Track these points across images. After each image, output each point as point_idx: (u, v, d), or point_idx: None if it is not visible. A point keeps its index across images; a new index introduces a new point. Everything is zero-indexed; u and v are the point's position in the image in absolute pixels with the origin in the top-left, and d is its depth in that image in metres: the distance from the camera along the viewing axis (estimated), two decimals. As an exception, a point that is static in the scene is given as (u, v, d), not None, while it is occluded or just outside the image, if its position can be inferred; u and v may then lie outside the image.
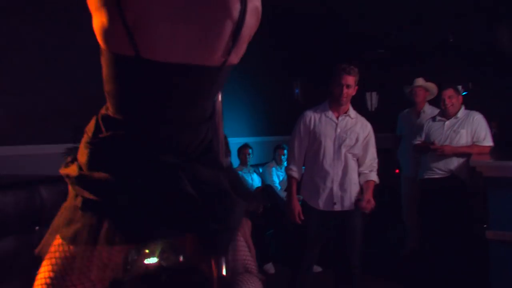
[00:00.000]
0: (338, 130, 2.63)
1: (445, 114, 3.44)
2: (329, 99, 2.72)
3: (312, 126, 2.66)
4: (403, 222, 4.29)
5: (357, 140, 2.64)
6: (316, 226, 2.64)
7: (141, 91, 0.88)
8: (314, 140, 2.65)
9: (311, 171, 2.67)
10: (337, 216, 2.63)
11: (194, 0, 0.81)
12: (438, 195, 3.34)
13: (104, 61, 0.88)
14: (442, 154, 3.30)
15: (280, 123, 5.98)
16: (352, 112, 2.71)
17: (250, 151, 4.68)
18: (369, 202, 2.59)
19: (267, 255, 3.87)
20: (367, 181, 2.68)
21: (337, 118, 2.66)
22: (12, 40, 2.75)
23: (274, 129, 5.87)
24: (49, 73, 2.95)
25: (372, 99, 6.30)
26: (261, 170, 4.95)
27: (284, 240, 4.29)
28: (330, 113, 2.67)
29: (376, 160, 2.73)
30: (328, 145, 2.61)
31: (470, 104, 3.60)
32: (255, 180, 4.72)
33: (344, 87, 2.56)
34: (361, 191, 2.67)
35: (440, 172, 3.35)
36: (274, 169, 4.81)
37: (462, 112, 3.41)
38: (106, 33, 0.81)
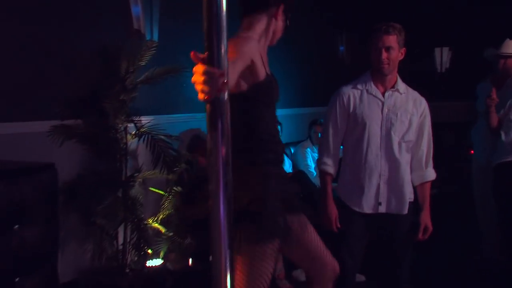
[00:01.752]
0: (385, 110, 2.46)
1: None
2: (370, 69, 2.53)
3: (351, 108, 2.50)
4: (477, 222, 4.00)
5: (410, 123, 2.47)
6: (358, 232, 2.54)
7: None
8: (355, 125, 2.50)
9: (352, 163, 2.54)
10: (383, 219, 2.51)
11: None
12: None
13: None
14: None
15: (319, 90, 5.76)
16: (401, 85, 2.51)
17: (278, 127, 4.52)
18: (425, 231, 2.49)
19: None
20: (424, 184, 2.55)
21: (383, 94, 2.48)
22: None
23: (311, 99, 5.72)
24: (30, 38, 2.83)
25: (443, 57, 5.83)
26: (292, 151, 4.76)
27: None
28: (373, 88, 2.49)
29: (432, 147, 2.57)
30: (374, 131, 2.45)
31: None
32: (284, 163, 4.60)
33: (383, 50, 2.39)
34: (414, 192, 2.53)
35: None
36: (309, 150, 4.60)
37: None
38: None
